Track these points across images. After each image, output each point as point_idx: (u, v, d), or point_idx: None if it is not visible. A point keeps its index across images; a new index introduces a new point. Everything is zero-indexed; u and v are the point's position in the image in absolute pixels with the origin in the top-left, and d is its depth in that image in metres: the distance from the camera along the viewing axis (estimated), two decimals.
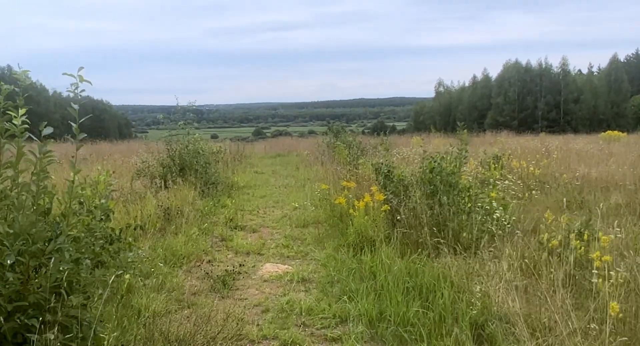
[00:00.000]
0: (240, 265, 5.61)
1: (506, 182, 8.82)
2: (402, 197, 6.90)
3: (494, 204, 6.12)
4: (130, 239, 5.55)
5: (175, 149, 11.31)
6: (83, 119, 3.56)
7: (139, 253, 5.35)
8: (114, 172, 9.96)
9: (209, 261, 6.03)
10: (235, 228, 7.84)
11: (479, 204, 6.06)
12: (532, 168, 11.16)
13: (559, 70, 71.62)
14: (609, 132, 26.89)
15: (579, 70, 73.78)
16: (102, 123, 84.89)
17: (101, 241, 5.31)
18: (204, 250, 6.40)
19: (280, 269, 5.52)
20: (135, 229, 6.24)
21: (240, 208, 9.63)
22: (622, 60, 75.30)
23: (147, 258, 5.43)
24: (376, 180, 7.97)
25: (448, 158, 6.62)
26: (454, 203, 5.78)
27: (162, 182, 10.04)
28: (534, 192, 9.12)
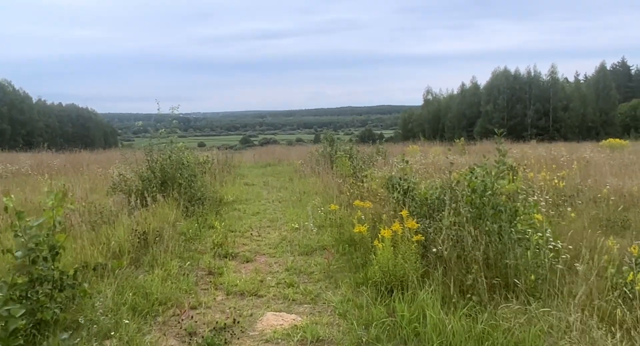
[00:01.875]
0: (233, 320, 4.26)
1: (532, 197, 7.62)
2: (429, 221, 5.66)
3: (547, 231, 4.90)
4: (85, 285, 4.23)
5: (156, 160, 9.97)
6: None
7: (94, 306, 4.03)
8: (71, 195, 8.61)
9: (193, 307, 4.69)
10: (226, 257, 6.51)
11: (527, 230, 4.84)
12: (555, 181, 9.97)
13: (548, 78, 71.58)
14: (610, 140, 25.97)
15: (565, 78, 73.77)
16: (87, 132, 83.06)
17: (48, 287, 4.00)
18: (186, 290, 5.07)
19: (285, 321, 4.21)
20: (95, 269, 4.94)
21: (231, 229, 8.31)
22: (608, 68, 75.49)
23: (110, 310, 4.11)
24: (393, 198, 6.72)
25: (485, 172, 5.38)
26: (506, 232, 4.53)
27: (140, 199, 8.69)
28: (565, 208, 7.94)
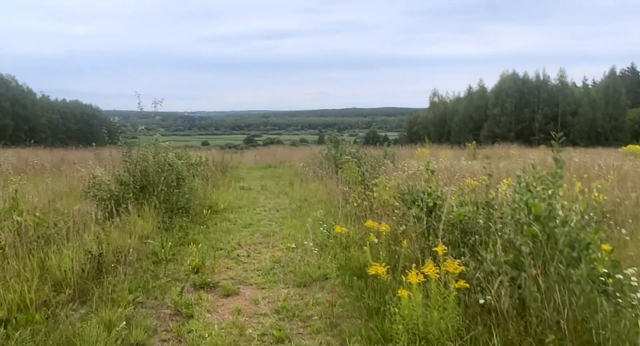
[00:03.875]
0: None
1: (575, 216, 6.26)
2: (463, 251, 4.32)
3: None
4: None
5: (135, 161, 8.62)
6: None
7: None
8: (24, 203, 7.18)
9: None
10: (202, 288, 5.15)
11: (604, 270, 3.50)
12: (595, 194, 8.57)
13: (557, 82, 70.24)
14: (631, 146, 24.59)
15: (574, 83, 72.37)
16: (90, 128, 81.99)
17: None
18: None
19: None
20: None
21: (215, 245, 6.97)
22: (617, 74, 74.10)
23: None
24: (413, 216, 5.37)
25: (544, 188, 4.03)
26: (585, 278, 3.17)
27: (113, 207, 7.36)
28: (612, 228, 6.58)
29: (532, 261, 3.31)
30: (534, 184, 3.99)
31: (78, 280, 4.69)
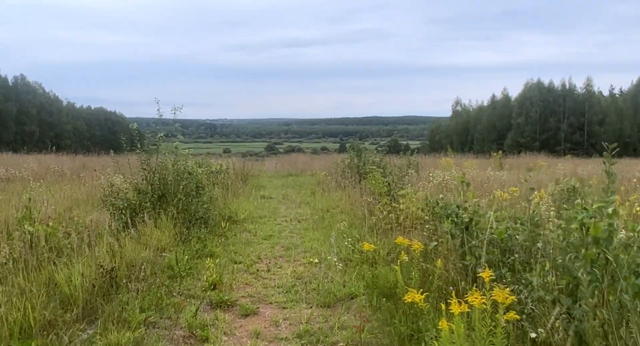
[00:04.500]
0: None
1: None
2: (505, 276, 3.92)
3: None
4: None
5: (154, 168, 8.36)
6: None
7: None
8: (39, 211, 6.91)
9: None
10: (219, 307, 4.81)
11: None
12: (637, 208, 8.03)
13: (583, 90, 68.80)
14: None
15: (600, 92, 70.80)
16: (114, 135, 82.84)
17: None
18: None
19: None
20: None
21: (234, 259, 6.65)
22: None
23: None
24: (447, 232, 4.97)
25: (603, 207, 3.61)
26: None
27: (130, 217, 7.10)
28: None
29: (593, 290, 2.89)
30: (588, 200, 3.58)
31: (87, 296, 4.40)
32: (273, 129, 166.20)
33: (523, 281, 3.77)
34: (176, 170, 8.50)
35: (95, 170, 14.83)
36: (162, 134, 8.48)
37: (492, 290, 2.95)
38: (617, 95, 72.63)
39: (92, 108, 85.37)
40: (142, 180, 8.36)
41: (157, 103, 8.64)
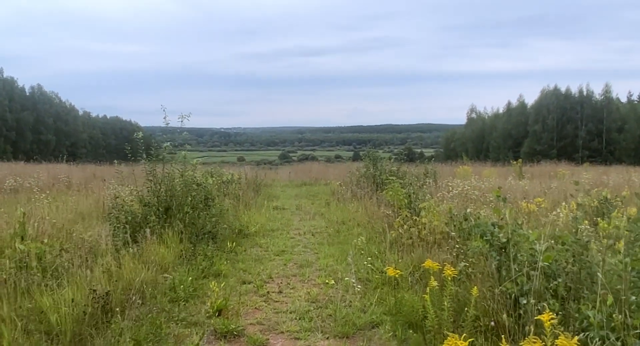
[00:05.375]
0: None
1: None
2: (553, 306, 3.37)
3: None
4: None
5: (160, 179, 7.91)
6: None
7: None
8: (36, 226, 6.44)
9: None
10: (224, 337, 4.29)
11: None
12: None
13: (602, 97, 67.56)
14: None
15: (618, 98, 69.47)
16: (130, 144, 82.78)
17: None
18: None
19: None
20: None
21: (243, 278, 6.13)
22: None
23: None
24: (482, 255, 4.42)
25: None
26: None
27: (130, 232, 6.64)
28: None
29: None
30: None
31: (76, 327, 3.91)
32: (287, 137, 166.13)
33: (577, 315, 3.23)
34: (184, 180, 8.05)
35: (104, 180, 14.43)
36: (168, 143, 8.02)
37: (553, 336, 2.40)
38: (635, 102, 71.28)
39: (108, 117, 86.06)
40: (148, 191, 7.92)
41: (164, 111, 8.20)
